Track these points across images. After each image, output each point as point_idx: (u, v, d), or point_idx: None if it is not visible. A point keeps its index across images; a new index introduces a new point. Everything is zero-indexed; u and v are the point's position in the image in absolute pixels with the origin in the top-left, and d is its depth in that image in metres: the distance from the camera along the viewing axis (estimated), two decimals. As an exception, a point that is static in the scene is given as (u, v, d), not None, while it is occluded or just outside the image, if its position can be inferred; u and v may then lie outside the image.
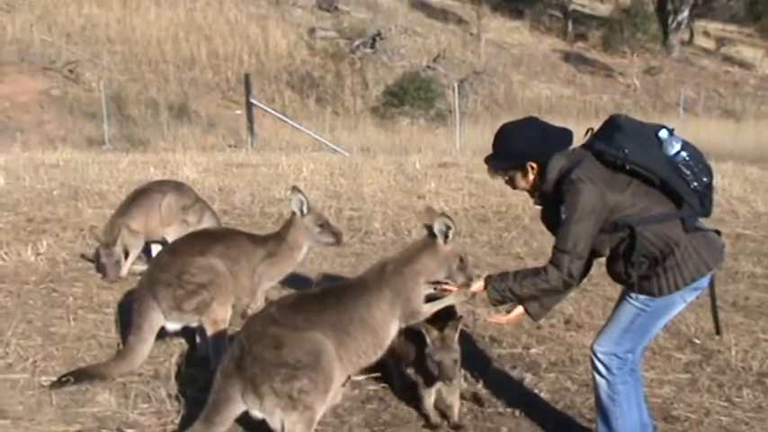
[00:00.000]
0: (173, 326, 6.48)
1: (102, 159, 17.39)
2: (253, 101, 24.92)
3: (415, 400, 6.06)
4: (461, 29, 49.79)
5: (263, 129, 27.52)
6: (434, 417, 5.84)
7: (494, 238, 11.35)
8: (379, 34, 41.19)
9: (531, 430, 5.85)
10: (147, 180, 12.74)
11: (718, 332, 5.40)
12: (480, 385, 6.55)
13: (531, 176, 5.08)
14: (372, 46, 40.75)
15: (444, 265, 5.28)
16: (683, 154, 4.85)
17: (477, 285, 5.14)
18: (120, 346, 6.82)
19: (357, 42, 40.33)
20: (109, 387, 6.19)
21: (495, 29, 50.61)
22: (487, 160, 5.21)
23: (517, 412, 6.11)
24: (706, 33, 58.61)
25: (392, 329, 5.22)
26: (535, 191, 5.15)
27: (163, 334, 6.65)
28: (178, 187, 9.21)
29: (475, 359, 6.91)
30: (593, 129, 5.12)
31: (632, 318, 5.00)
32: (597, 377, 5.14)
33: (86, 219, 11.15)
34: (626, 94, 44.86)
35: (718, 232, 5.06)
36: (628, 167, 4.83)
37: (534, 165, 5.03)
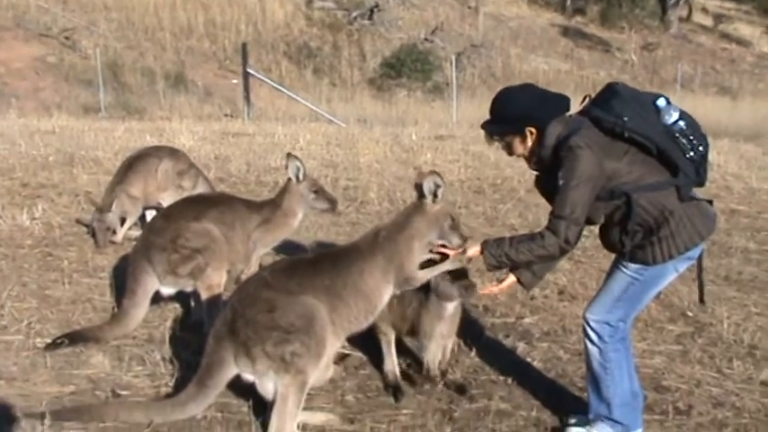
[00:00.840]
0: (167, 290, 6.49)
1: (98, 126, 17.39)
2: (249, 70, 24.85)
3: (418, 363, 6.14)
4: (459, 2, 49.52)
5: (259, 99, 27.45)
6: (397, 379, 5.91)
7: (489, 209, 11.36)
8: (376, 6, 41.13)
9: (523, 398, 5.85)
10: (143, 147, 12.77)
11: (702, 301, 5.43)
12: (473, 354, 6.56)
13: (529, 142, 5.05)
14: (370, 17, 40.72)
15: (436, 225, 5.23)
16: (681, 123, 4.86)
17: (474, 250, 5.12)
18: (115, 309, 6.83)
19: (355, 13, 40.30)
20: (103, 350, 6.22)
21: (493, 2, 50.37)
22: (485, 126, 5.17)
23: (510, 380, 6.13)
24: (704, 10, 58.40)
25: (385, 296, 5.22)
26: (532, 157, 5.12)
27: (158, 298, 6.67)
28: (174, 153, 9.20)
29: (468, 328, 6.90)
30: (590, 95, 5.11)
31: (625, 286, 5.01)
32: (589, 345, 5.16)
33: (82, 184, 11.17)
34: (623, 69, 44.73)
35: (710, 202, 5.06)
36: (626, 135, 4.82)
37: (533, 130, 5.00)
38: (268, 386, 4.87)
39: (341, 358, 6.09)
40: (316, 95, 29.88)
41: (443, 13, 46.25)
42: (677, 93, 30.00)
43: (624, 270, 5.01)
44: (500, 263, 5.01)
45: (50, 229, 9.23)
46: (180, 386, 5.35)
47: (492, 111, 5.15)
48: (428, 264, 5.31)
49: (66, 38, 33.22)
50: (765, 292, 8.54)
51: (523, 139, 5.06)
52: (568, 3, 53.26)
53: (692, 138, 4.86)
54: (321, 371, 5.02)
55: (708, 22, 55.85)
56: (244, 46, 25.75)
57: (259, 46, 36.68)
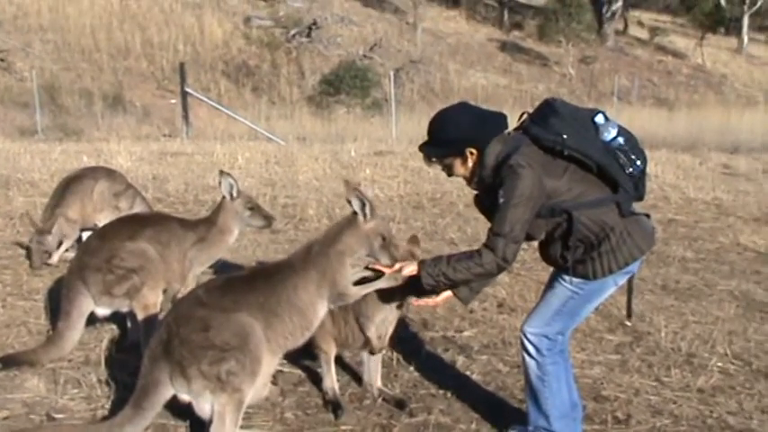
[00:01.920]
0: (103, 311, 6.41)
1: (35, 149, 17.26)
2: (188, 90, 24.79)
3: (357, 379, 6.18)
4: (398, 18, 49.81)
5: (198, 118, 27.32)
6: (336, 396, 5.89)
7: (428, 224, 11.41)
8: (315, 23, 41.16)
9: (462, 411, 5.85)
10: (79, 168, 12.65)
11: (629, 316, 5.47)
12: (412, 368, 6.57)
13: (470, 163, 5.02)
14: (308, 35, 40.71)
15: (366, 242, 5.17)
16: (620, 139, 4.88)
17: (410, 269, 5.06)
18: (50, 332, 6.75)
19: (293, 31, 40.27)
20: (38, 373, 6.12)
21: (431, 18, 50.68)
22: (423, 148, 5.15)
23: (449, 394, 6.12)
24: (640, 23, 59.21)
25: (320, 311, 5.18)
26: (473, 177, 5.09)
27: (93, 320, 6.58)
28: (110, 174, 9.13)
29: (407, 342, 6.93)
30: (528, 112, 5.10)
31: (565, 300, 5.02)
32: (527, 358, 5.15)
33: (17, 207, 11.08)
34: (561, 83, 45.20)
35: (647, 215, 5.10)
36: (565, 153, 4.81)
37: (474, 150, 4.97)
38: (205, 406, 4.82)
39: (276, 376, 6.06)
40: (255, 114, 29.74)
41: (382, 29, 46.39)
42: (615, 105, 30.32)
43: (564, 284, 5.01)
44: (437, 282, 4.96)
45: (-16, 252, 9.10)
46: (117, 408, 5.27)
47: (430, 133, 5.12)
48: (364, 280, 5.29)
49: (2, 60, 32.86)
50: (702, 300, 8.64)
51: (464, 161, 5.04)
52: (506, 18, 53.75)
53: (630, 154, 4.88)
54: (258, 389, 4.97)
55: (644, 35, 56.61)
56: (181, 65, 25.67)
57: (197, 65, 36.54)
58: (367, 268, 5.24)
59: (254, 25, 41.29)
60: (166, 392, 4.86)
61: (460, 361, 6.75)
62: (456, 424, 5.67)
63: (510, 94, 40.51)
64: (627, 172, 4.85)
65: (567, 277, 4.99)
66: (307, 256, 5.21)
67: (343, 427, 5.58)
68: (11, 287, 8.10)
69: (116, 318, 6.83)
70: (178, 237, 6.71)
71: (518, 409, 5.85)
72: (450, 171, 5.14)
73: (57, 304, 6.73)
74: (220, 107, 27.10)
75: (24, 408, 5.67)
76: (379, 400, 5.96)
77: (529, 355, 5.14)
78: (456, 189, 12.83)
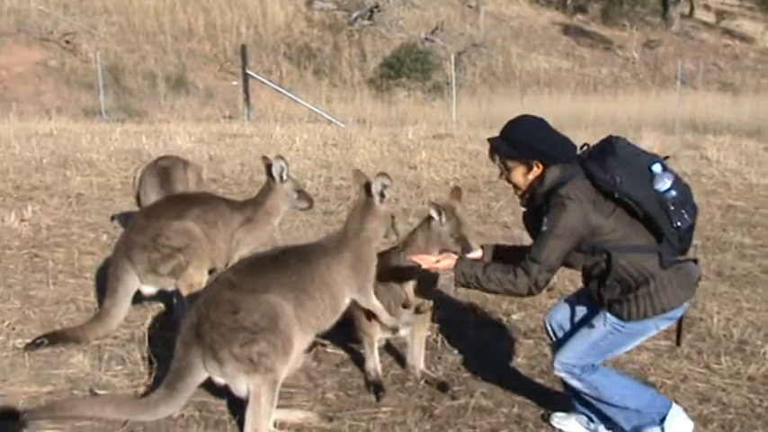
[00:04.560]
0: (148, 289, 6.47)
1: (96, 129, 17.40)
2: (249, 72, 24.82)
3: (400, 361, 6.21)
4: (460, 1, 49.42)
5: (259, 100, 27.42)
6: (378, 377, 5.90)
7: (482, 207, 11.36)
8: (377, 6, 41.00)
9: (505, 395, 5.83)
10: (139, 149, 12.85)
11: (678, 344, 5.38)
12: (457, 351, 6.56)
13: (531, 176, 5.02)
14: (370, 18, 40.61)
15: (385, 224, 5.39)
16: (673, 192, 4.82)
17: (447, 263, 5.11)
18: (98, 310, 6.80)
19: (355, 14, 40.20)
20: (84, 349, 6.20)
21: (494, 1, 50.19)
22: (493, 141, 5.15)
23: (492, 377, 6.10)
24: (706, 7, 58.22)
25: (347, 296, 5.29)
26: (526, 193, 5.10)
27: (140, 298, 6.65)
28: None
29: (453, 325, 6.91)
30: (589, 144, 5.09)
31: (604, 335, 4.99)
32: (570, 384, 5.15)
33: (74, 186, 11.19)
34: (625, 67, 44.66)
35: (696, 261, 5.08)
36: (616, 195, 4.81)
37: (540, 165, 4.98)
38: (241, 387, 4.87)
39: (310, 348, 6.05)
40: (316, 96, 29.84)
41: (444, 12, 46.10)
42: (678, 89, 29.83)
43: (600, 320, 5.00)
44: (468, 282, 5.02)
45: (38, 230, 9.23)
46: (158, 386, 5.32)
47: (506, 130, 5.11)
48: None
49: (67, 42, 33.22)
50: (758, 287, 8.50)
51: (527, 171, 5.03)
52: (569, 1, 53.12)
53: (681, 209, 4.84)
54: (291, 366, 5.02)
55: (710, 18, 55.65)
56: (243, 48, 25.71)
57: (259, 48, 36.67)
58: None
59: (317, 8, 41.27)
60: (199, 376, 4.93)
61: (506, 344, 6.72)
62: (498, 408, 5.66)
63: (573, 77, 40.17)
64: (674, 225, 4.82)
65: (603, 313, 4.98)
66: (341, 238, 5.33)
67: (383, 409, 5.59)
68: (62, 265, 8.17)
69: (162, 296, 6.88)
70: (225, 217, 6.74)
71: (561, 393, 5.77)
72: (508, 175, 5.13)
73: (106, 282, 6.79)
74: (281, 89, 27.16)
75: (68, 383, 5.76)
76: (422, 382, 5.97)
77: (568, 382, 5.15)
78: (512, 173, 12.74)
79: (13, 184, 11.28)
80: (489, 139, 5.18)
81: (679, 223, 4.81)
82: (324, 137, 16.62)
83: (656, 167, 4.86)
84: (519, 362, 6.44)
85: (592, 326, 5.04)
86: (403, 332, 5.93)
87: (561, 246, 4.79)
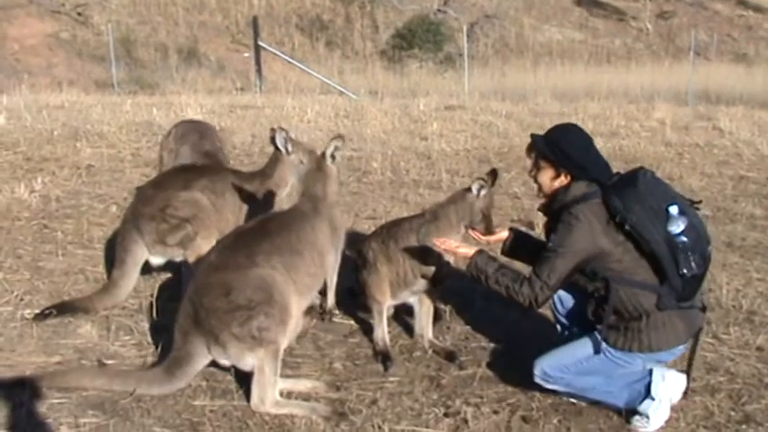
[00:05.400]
0: (156, 260, 6.49)
1: (107, 101, 17.36)
2: (261, 44, 24.73)
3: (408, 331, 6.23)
4: (474, -28, 49.30)
5: (271, 72, 27.36)
6: (386, 347, 5.91)
7: (493, 178, 11.29)
8: (389, -23, 40.93)
9: (510, 364, 5.80)
10: (150, 121, 12.82)
11: (688, 375, 5.33)
12: (464, 321, 6.57)
13: (557, 183, 5.10)
14: (383, -11, 40.51)
15: (337, 183, 5.83)
16: (684, 239, 4.80)
17: (466, 251, 5.25)
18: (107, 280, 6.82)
19: (368, -15, 40.10)
20: (92, 320, 6.23)
21: (507, -28, 50.07)
22: (536, 137, 5.21)
23: (500, 347, 6.12)
24: (722, -23, 57.89)
25: (330, 256, 5.59)
26: (549, 197, 5.17)
27: (148, 268, 6.68)
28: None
29: (461, 295, 6.89)
30: (620, 173, 5.12)
31: (590, 355, 5.03)
32: (546, 387, 5.21)
33: (84, 158, 11.18)
34: (638, 38, 44.36)
35: (704, 309, 5.15)
36: (626, 228, 4.81)
37: (569, 175, 5.05)
38: (246, 363, 4.94)
39: (307, 311, 6.06)
40: (328, 68, 29.78)
41: (456, -17, 45.96)
42: (692, 61, 29.65)
43: (596, 339, 5.02)
44: (478, 275, 5.16)
45: (48, 201, 9.25)
46: (165, 356, 5.35)
47: (550, 132, 5.19)
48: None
49: (79, 14, 33.24)
50: (768, 258, 8.44)
51: (555, 177, 5.11)
52: (583, -29, 52.81)
53: (690, 255, 4.81)
54: (291, 333, 5.10)
55: (725, -12, 55.28)
56: (255, 19, 25.61)
57: (271, 19, 36.61)
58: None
59: (329, -21, 41.18)
60: (200, 364, 5.06)
61: (515, 315, 6.67)
62: (505, 377, 5.65)
63: (586, 49, 39.97)
64: (680, 271, 4.80)
65: (596, 335, 5.01)
66: (314, 202, 5.59)
67: (391, 379, 5.60)
68: (72, 236, 8.19)
69: (171, 267, 6.89)
70: (233, 188, 6.72)
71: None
72: (536, 174, 5.22)
73: (115, 253, 6.81)
74: (293, 61, 27.06)
75: (76, 353, 5.79)
76: (430, 351, 5.99)
77: (544, 386, 5.22)
78: (524, 143, 12.64)
79: (24, 155, 11.27)
80: (532, 135, 5.25)
81: (685, 270, 4.80)
82: (335, 108, 16.55)
83: (674, 209, 4.85)
84: (526, 333, 6.41)
85: (582, 343, 5.10)
86: (411, 300, 5.97)
87: (564, 264, 4.86)
